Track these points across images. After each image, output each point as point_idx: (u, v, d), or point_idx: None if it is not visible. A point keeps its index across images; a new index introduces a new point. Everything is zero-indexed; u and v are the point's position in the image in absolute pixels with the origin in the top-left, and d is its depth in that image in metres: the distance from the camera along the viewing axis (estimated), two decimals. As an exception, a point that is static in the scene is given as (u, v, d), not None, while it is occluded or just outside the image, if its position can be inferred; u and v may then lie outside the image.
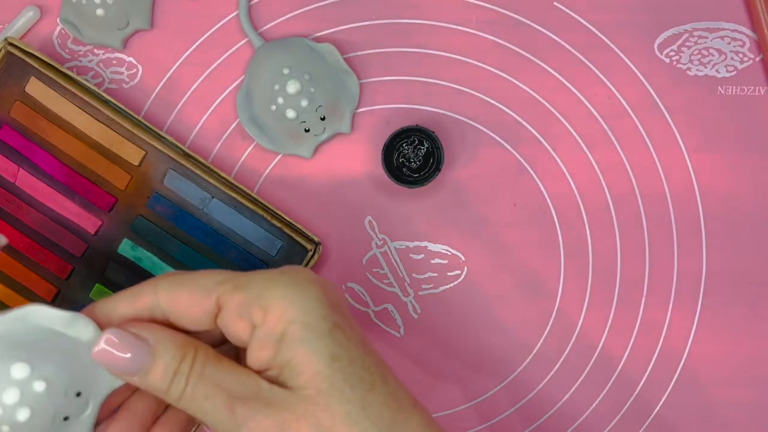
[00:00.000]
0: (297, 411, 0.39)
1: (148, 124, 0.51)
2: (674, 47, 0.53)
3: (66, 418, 0.40)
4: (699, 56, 0.53)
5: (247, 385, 0.40)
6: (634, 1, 0.52)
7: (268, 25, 0.53)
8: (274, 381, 0.40)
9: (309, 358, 0.39)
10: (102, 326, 0.40)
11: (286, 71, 0.51)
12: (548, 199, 0.53)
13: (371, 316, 0.53)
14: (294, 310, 0.40)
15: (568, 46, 0.53)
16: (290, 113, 0.51)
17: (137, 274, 0.51)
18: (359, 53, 0.53)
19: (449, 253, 0.53)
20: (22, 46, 0.50)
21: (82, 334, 0.40)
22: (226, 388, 0.39)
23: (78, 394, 0.40)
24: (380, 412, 0.40)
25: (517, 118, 0.53)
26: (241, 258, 0.51)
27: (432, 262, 0.53)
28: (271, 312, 0.40)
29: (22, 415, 0.38)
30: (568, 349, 0.53)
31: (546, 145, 0.53)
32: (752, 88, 0.53)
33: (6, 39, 0.50)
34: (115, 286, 0.51)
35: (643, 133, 0.53)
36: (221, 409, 0.39)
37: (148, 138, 0.51)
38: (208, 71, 0.53)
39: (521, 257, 0.53)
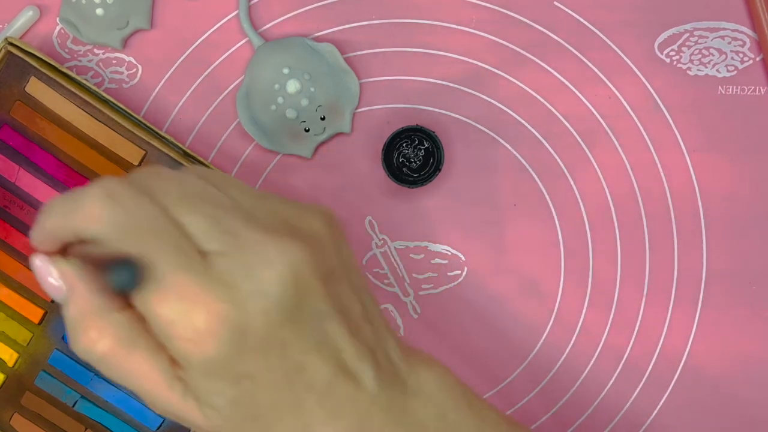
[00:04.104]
0: None
1: (148, 124, 0.51)
2: (674, 47, 0.53)
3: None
4: (699, 56, 0.53)
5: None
6: (634, 1, 0.52)
7: (268, 25, 0.53)
8: None
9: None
10: None
11: (286, 71, 0.51)
12: (548, 199, 0.53)
13: (371, 316, 0.53)
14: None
15: (568, 46, 0.53)
16: (290, 113, 0.51)
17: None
18: (359, 53, 0.53)
19: (449, 253, 0.53)
20: (22, 46, 0.50)
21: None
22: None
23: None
24: None
25: (517, 118, 0.53)
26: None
27: (432, 262, 0.53)
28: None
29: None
30: (568, 350, 0.53)
31: (546, 145, 0.53)
32: (752, 88, 0.53)
33: (6, 39, 0.50)
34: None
35: (643, 133, 0.53)
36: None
37: (148, 138, 0.51)
38: (208, 71, 0.53)
39: (521, 257, 0.53)
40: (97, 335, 0.38)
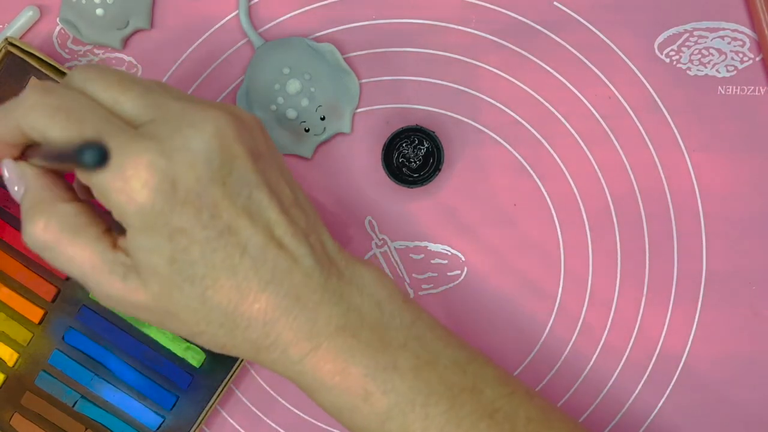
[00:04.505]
0: None
1: (148, 124, 0.51)
2: (674, 47, 0.53)
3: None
4: (699, 56, 0.53)
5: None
6: (634, 1, 0.52)
7: (268, 25, 0.53)
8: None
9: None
10: None
11: (286, 71, 0.51)
12: (548, 199, 0.53)
13: (371, 316, 0.53)
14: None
15: (568, 46, 0.53)
16: (290, 113, 0.51)
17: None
18: (359, 53, 0.53)
19: (449, 253, 0.53)
20: (22, 46, 0.50)
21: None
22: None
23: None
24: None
25: (517, 118, 0.53)
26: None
27: (432, 262, 0.53)
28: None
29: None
30: (567, 350, 0.53)
31: (546, 145, 0.53)
32: (752, 88, 0.53)
33: (6, 39, 0.50)
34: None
35: (643, 133, 0.53)
36: None
37: (148, 138, 0.51)
38: (208, 71, 0.53)
39: (521, 257, 0.53)
40: (44, 224, 0.41)
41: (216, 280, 0.41)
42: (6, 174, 0.43)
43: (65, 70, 0.50)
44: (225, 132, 0.40)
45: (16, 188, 0.43)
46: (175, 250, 0.40)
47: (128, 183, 0.39)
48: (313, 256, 0.42)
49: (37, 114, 0.40)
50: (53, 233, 0.41)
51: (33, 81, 0.42)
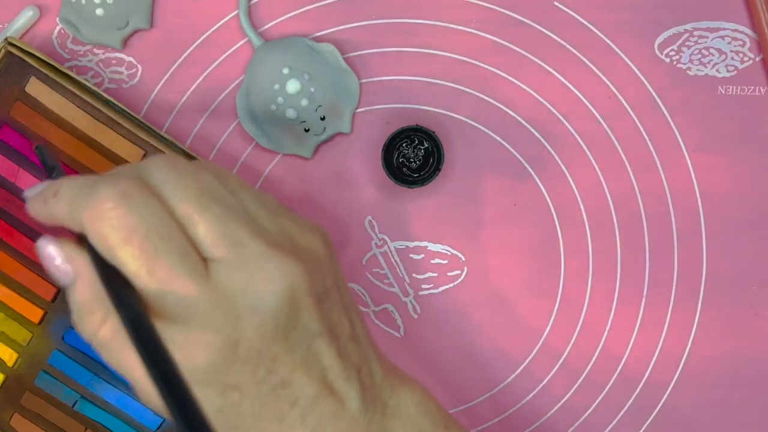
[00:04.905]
0: None
1: (148, 124, 0.51)
2: (674, 47, 0.53)
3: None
4: (699, 56, 0.53)
5: None
6: (634, 1, 0.52)
7: (268, 25, 0.53)
8: None
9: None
10: None
11: (286, 71, 0.51)
12: (548, 199, 0.53)
13: (371, 316, 0.53)
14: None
15: (568, 46, 0.53)
16: (290, 113, 0.51)
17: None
18: (359, 53, 0.53)
19: (449, 253, 0.53)
20: (22, 46, 0.50)
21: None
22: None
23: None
24: None
25: (517, 118, 0.53)
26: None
27: (432, 262, 0.53)
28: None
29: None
30: (567, 350, 0.53)
31: (546, 144, 0.53)
32: (752, 88, 0.53)
33: (6, 39, 0.50)
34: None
35: (643, 133, 0.53)
36: None
37: (148, 138, 0.50)
38: (208, 71, 0.53)
39: (521, 257, 0.53)
40: (100, 321, 0.38)
41: (262, 430, 0.39)
42: (51, 251, 0.40)
43: (65, 70, 0.50)
44: (298, 287, 0.38)
45: (61, 268, 0.39)
46: (225, 403, 0.39)
47: (190, 341, 0.37)
48: (360, 396, 0.41)
49: (108, 229, 0.37)
50: (108, 335, 0.38)
51: (112, 181, 0.37)
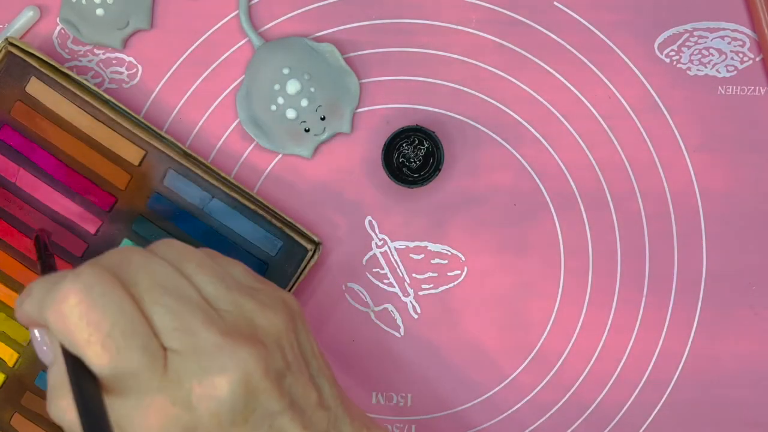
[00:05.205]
0: None
1: (148, 124, 0.51)
2: (674, 47, 0.53)
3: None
4: (699, 56, 0.53)
5: None
6: (634, 1, 0.52)
7: (268, 25, 0.53)
8: None
9: None
10: None
11: (286, 71, 0.51)
12: (548, 200, 0.53)
13: (371, 316, 0.53)
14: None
15: (568, 46, 0.53)
16: (290, 113, 0.51)
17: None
18: (359, 53, 0.53)
19: (449, 253, 0.53)
20: (23, 46, 0.50)
21: None
22: None
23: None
24: None
25: (517, 118, 0.53)
26: (241, 258, 0.51)
27: (432, 262, 0.53)
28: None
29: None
30: (568, 350, 0.53)
31: (546, 145, 0.53)
32: (752, 88, 0.53)
33: (6, 39, 0.50)
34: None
35: (643, 133, 0.53)
36: None
37: (148, 138, 0.51)
38: (208, 71, 0.53)
39: (521, 257, 0.53)
40: (66, 406, 0.40)
41: None
42: (37, 335, 0.41)
43: (65, 71, 0.50)
44: (253, 373, 0.39)
45: (45, 351, 0.41)
46: None
47: (147, 424, 0.38)
48: None
49: (72, 327, 0.38)
50: (74, 417, 0.39)
51: (73, 278, 0.39)
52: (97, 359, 0.38)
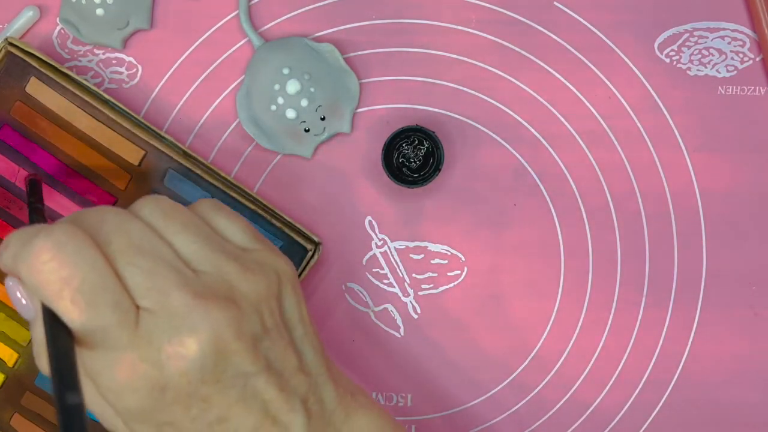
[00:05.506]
0: None
1: (148, 124, 0.51)
2: (674, 47, 0.53)
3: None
4: (699, 56, 0.53)
5: None
6: (634, 1, 0.52)
7: (268, 25, 0.53)
8: None
9: None
10: None
11: (286, 71, 0.51)
12: (548, 199, 0.53)
13: (371, 316, 0.53)
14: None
15: (568, 46, 0.53)
16: (290, 113, 0.51)
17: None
18: (359, 53, 0.53)
19: (449, 253, 0.53)
20: (23, 46, 0.50)
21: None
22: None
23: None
24: None
25: (517, 118, 0.53)
26: (241, 258, 0.51)
27: (432, 262, 0.53)
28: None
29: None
30: (568, 350, 0.53)
31: (546, 145, 0.53)
32: (752, 88, 0.53)
33: (6, 39, 0.50)
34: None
35: (643, 133, 0.53)
36: None
37: (148, 138, 0.51)
38: (208, 71, 0.53)
39: (521, 257, 0.53)
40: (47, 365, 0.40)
41: None
42: (15, 291, 0.41)
43: (65, 71, 0.50)
44: (223, 334, 0.39)
45: (23, 303, 0.41)
46: None
47: (118, 385, 0.39)
48: (305, 425, 0.41)
49: (44, 282, 0.39)
50: None
51: (46, 233, 0.39)
52: (67, 314, 0.38)
